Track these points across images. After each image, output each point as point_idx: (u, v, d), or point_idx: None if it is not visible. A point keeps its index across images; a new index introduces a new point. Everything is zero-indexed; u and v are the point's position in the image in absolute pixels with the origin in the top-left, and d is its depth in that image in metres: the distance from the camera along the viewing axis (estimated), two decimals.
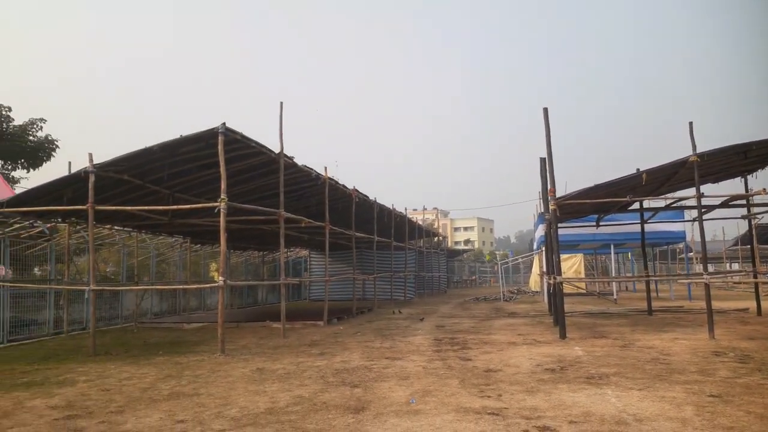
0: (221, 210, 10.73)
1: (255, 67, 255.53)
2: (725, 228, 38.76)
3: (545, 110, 12.56)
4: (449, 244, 76.45)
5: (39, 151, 18.58)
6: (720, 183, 15.27)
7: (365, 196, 19.78)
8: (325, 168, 15.73)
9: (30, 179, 19.29)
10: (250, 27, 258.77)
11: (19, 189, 15.42)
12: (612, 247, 25.44)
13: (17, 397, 7.17)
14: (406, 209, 27.39)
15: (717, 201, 14.64)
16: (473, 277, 56.05)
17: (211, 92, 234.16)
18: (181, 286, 20.05)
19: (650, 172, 12.37)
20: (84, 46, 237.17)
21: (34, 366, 9.65)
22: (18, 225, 14.59)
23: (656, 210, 17.33)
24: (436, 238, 41.74)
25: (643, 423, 5.30)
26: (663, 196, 15.43)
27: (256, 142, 11.75)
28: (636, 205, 16.57)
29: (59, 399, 6.97)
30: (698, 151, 11.73)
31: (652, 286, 23.28)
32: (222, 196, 10.69)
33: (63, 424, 5.78)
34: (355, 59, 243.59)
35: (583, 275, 31.85)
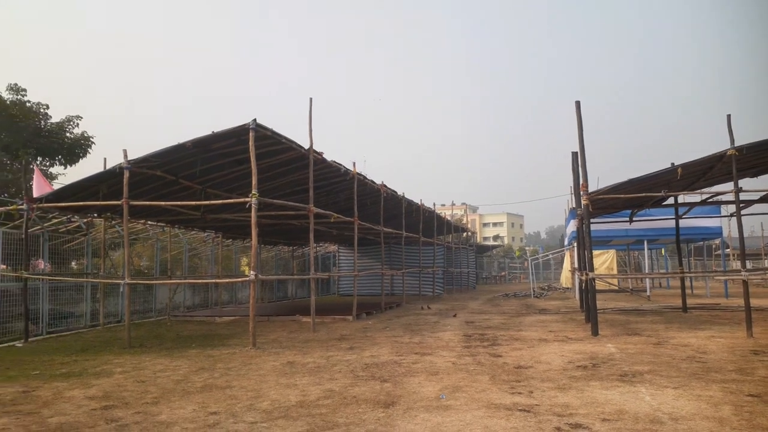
0: (252, 205, 10.86)
1: (273, 64, 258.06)
2: (764, 223, 37.67)
3: (577, 104, 12.37)
4: (478, 240, 76.12)
5: (75, 148, 19.00)
6: (759, 177, 14.86)
7: (393, 191, 19.79)
8: (354, 163, 15.80)
9: (67, 175, 19.82)
10: (264, 25, 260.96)
11: (56, 185, 15.82)
12: (645, 243, 24.97)
13: (57, 387, 7.37)
14: (434, 204, 27.34)
15: (756, 196, 14.27)
16: (502, 273, 55.63)
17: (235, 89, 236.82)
18: (213, 280, 20.35)
19: (686, 167, 12.09)
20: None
21: (72, 357, 9.92)
22: (56, 220, 14.98)
23: (692, 205, 16.94)
24: (464, 234, 41.54)
25: (679, 422, 5.20)
26: (699, 191, 15.09)
27: (287, 138, 11.84)
28: (671, 200, 16.22)
29: (96, 390, 7.15)
30: (736, 144, 11.42)
31: (687, 283, 22.78)
32: (253, 192, 10.81)
33: (101, 414, 5.92)
34: (379, 55, 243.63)
35: (615, 271, 31.32)
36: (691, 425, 5.10)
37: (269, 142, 11.74)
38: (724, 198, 15.28)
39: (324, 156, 13.61)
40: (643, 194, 13.43)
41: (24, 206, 12.16)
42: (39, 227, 14.19)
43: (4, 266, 12.58)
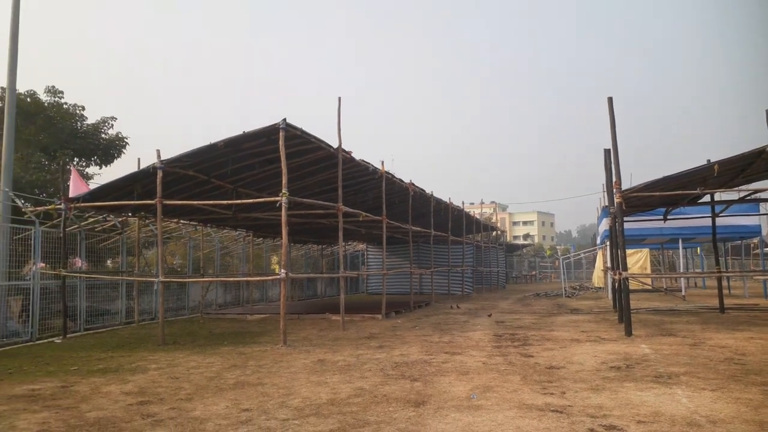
0: (283, 204, 10.94)
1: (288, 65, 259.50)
2: None
3: (610, 100, 12.15)
4: (508, 239, 75.45)
5: (110, 149, 19.44)
6: None
7: (422, 189, 19.73)
8: (382, 162, 15.80)
9: (102, 175, 20.23)
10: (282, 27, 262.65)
11: (92, 185, 16.15)
12: (680, 241, 24.42)
13: (94, 382, 7.55)
14: (463, 203, 27.17)
15: None
16: (533, 273, 55.02)
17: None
18: (244, 279, 20.61)
19: (723, 163, 11.79)
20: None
21: (109, 353, 10.15)
22: (92, 219, 15.34)
23: (729, 203, 16.51)
24: (494, 233, 41.22)
25: (717, 425, 5.07)
26: (737, 188, 14.70)
27: (316, 137, 11.91)
28: (707, 198, 15.83)
29: (132, 385, 7.30)
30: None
31: (724, 283, 22.21)
32: (283, 191, 10.89)
33: (137, 410, 6.04)
34: (408, 49, 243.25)
35: (649, 271, 30.72)
36: (730, 428, 4.97)
37: (299, 141, 11.83)
38: (763, 195, 14.85)
39: (353, 155, 13.65)
40: (678, 192, 13.15)
41: (62, 206, 12.49)
42: (76, 226, 14.54)
43: (44, 264, 12.92)
